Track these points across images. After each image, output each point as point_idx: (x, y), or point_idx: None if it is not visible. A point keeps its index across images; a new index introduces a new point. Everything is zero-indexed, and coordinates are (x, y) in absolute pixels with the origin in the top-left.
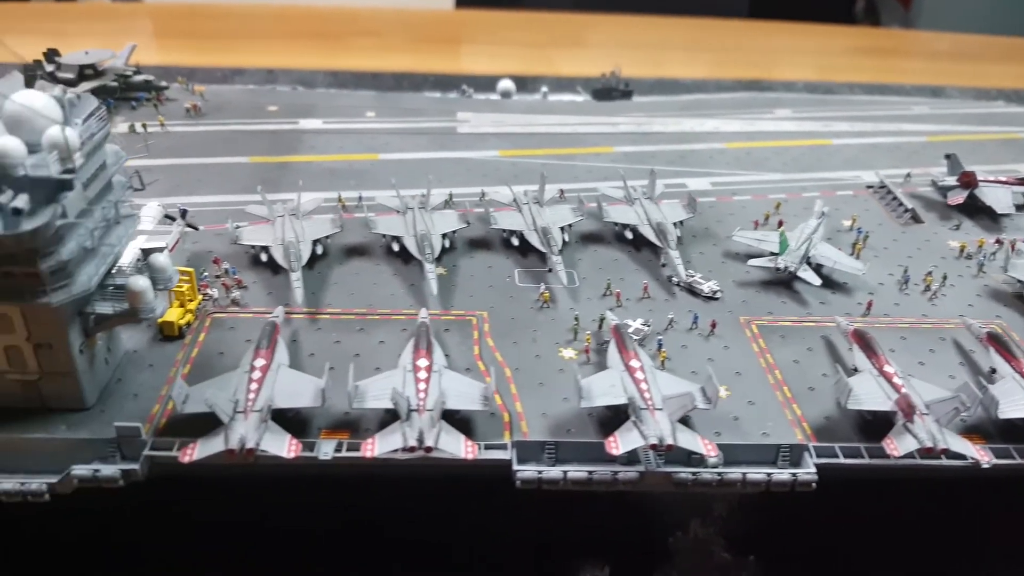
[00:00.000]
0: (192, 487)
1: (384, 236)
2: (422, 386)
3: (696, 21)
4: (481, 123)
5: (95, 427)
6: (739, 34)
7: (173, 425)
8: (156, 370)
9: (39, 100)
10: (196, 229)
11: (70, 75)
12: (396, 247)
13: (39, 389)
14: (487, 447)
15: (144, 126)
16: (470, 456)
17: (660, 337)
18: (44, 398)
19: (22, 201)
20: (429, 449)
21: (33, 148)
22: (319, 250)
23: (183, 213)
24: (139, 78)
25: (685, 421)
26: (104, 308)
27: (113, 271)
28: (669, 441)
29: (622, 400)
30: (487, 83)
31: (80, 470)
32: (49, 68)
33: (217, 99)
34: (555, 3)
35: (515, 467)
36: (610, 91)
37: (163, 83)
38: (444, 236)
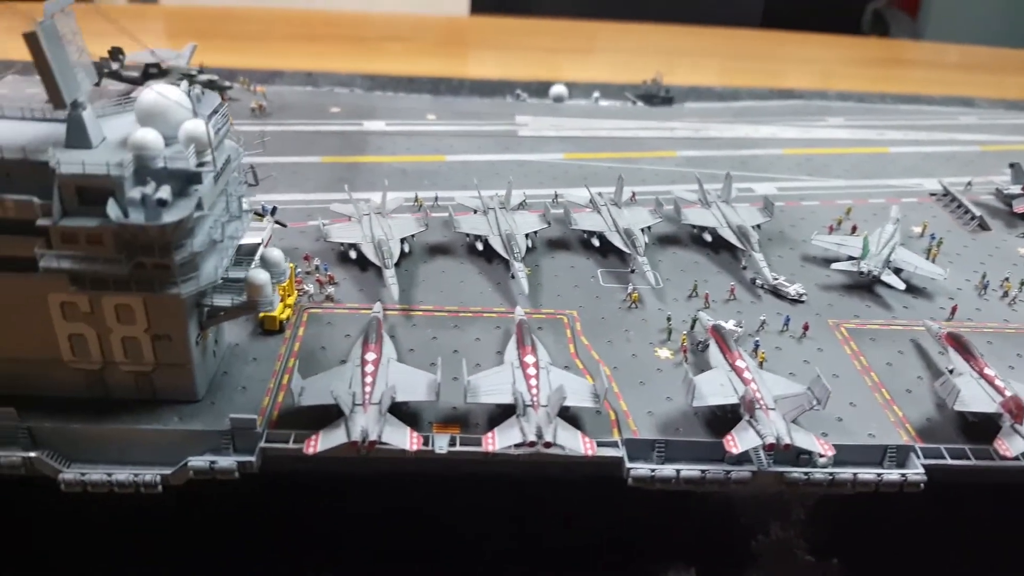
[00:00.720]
0: (299, 482)
1: (468, 235)
2: (533, 382)
3: (708, 30)
4: (540, 126)
5: (207, 419)
6: (752, 43)
7: (284, 418)
8: (260, 363)
9: (173, 93)
10: (284, 226)
11: (135, 73)
12: (480, 246)
13: (152, 381)
14: (599, 444)
15: None
16: (590, 452)
17: (757, 338)
18: (156, 390)
19: (166, 192)
20: (548, 444)
21: (167, 141)
22: (406, 248)
23: (272, 210)
24: (203, 77)
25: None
26: (223, 300)
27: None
28: (787, 440)
29: (733, 400)
30: (538, 88)
31: (197, 462)
32: (114, 66)
33: (279, 100)
34: (565, 10)
35: (627, 464)
36: (651, 97)
37: (227, 83)
38: (527, 236)
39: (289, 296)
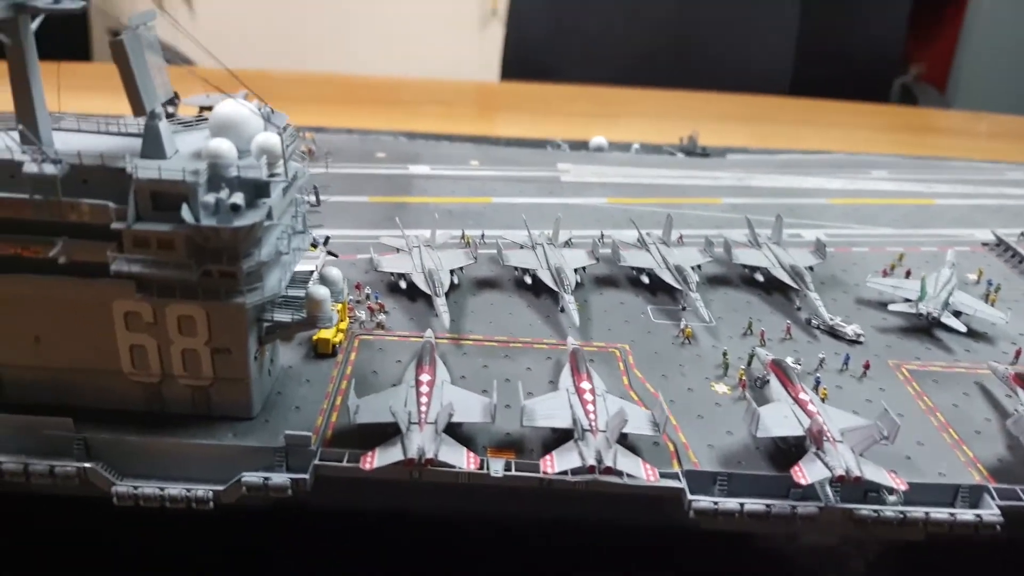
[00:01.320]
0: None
1: (516, 269)
2: (591, 408)
3: (738, 96)
4: (582, 173)
5: (262, 436)
6: (783, 109)
7: (338, 438)
8: (314, 385)
9: (245, 107)
10: (336, 256)
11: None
12: (528, 280)
13: (209, 396)
14: (662, 475)
15: None
16: (652, 479)
17: (818, 375)
18: (212, 405)
19: (239, 198)
20: (609, 470)
21: (240, 153)
22: (455, 280)
23: (325, 241)
24: None
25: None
26: (283, 316)
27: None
28: (856, 473)
29: (798, 432)
30: (575, 145)
31: (250, 478)
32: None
33: (326, 144)
34: (594, 78)
35: (689, 496)
36: (689, 153)
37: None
38: (575, 271)
39: (341, 322)
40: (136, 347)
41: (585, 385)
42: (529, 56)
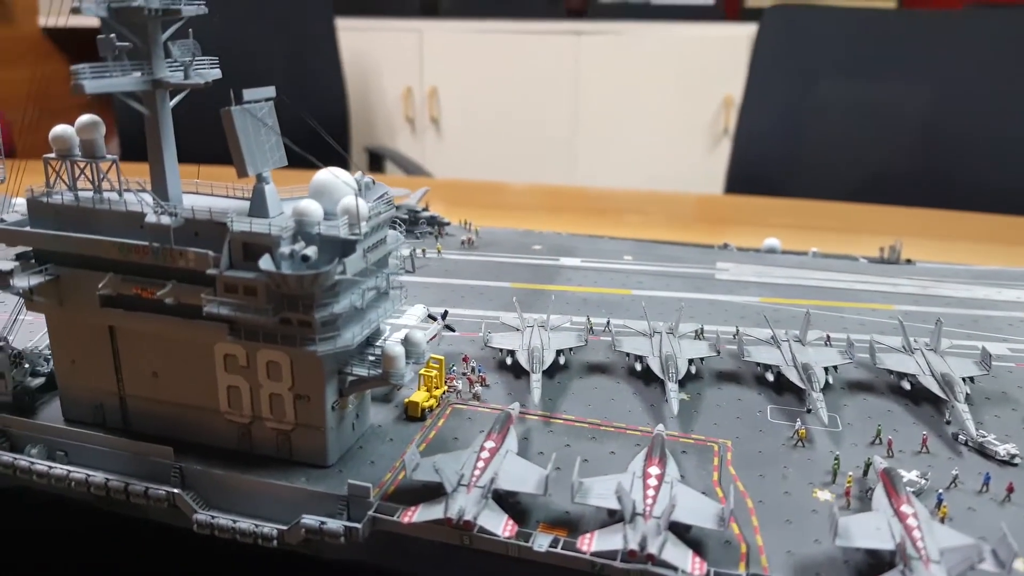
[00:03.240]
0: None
1: (628, 355)
2: (651, 492)
3: (984, 217)
4: (742, 272)
5: (331, 484)
6: (1008, 229)
7: (400, 494)
8: (395, 444)
9: (343, 175)
10: (453, 331)
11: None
12: (639, 367)
13: (290, 440)
14: (716, 574)
15: (423, 251)
16: (697, 572)
17: (941, 492)
18: (292, 450)
19: (311, 251)
20: (652, 558)
21: (328, 216)
22: (561, 360)
23: (444, 314)
24: (426, 214)
25: None
26: (360, 370)
27: (374, 342)
28: None
29: (888, 545)
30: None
31: (308, 520)
32: None
33: (489, 237)
34: (821, 194)
35: None
36: (887, 262)
37: (446, 220)
38: (691, 362)
39: (437, 388)
40: (232, 388)
41: (653, 470)
42: (755, 171)
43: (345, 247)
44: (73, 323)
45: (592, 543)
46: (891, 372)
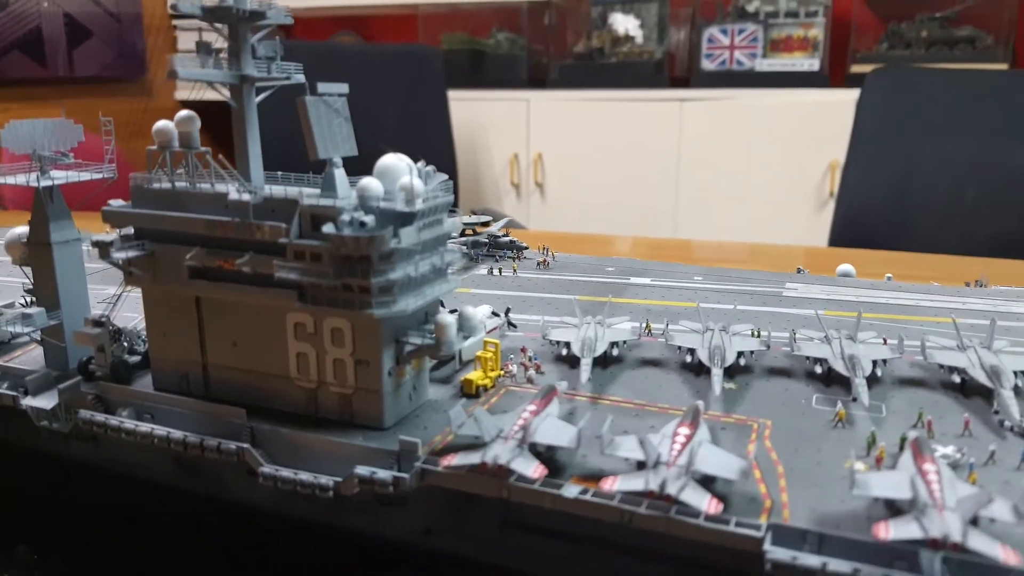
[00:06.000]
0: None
1: (679, 348)
2: (676, 446)
3: None
4: (810, 292)
5: (384, 442)
6: None
7: (447, 451)
8: (448, 416)
9: (404, 160)
10: (514, 327)
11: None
12: (689, 359)
13: (351, 403)
14: (738, 524)
15: (500, 270)
16: (711, 510)
17: (972, 461)
18: (353, 413)
19: (369, 219)
20: (669, 498)
21: (388, 195)
22: (615, 352)
23: (507, 311)
24: (505, 239)
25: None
26: (415, 339)
27: (431, 318)
28: (956, 539)
29: (904, 495)
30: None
31: (360, 470)
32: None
33: (566, 261)
34: (929, 248)
35: (766, 547)
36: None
37: (524, 244)
38: (740, 354)
39: (493, 370)
40: (300, 355)
41: (683, 430)
42: (859, 232)
43: (402, 219)
44: (165, 296)
45: (615, 484)
46: (941, 366)
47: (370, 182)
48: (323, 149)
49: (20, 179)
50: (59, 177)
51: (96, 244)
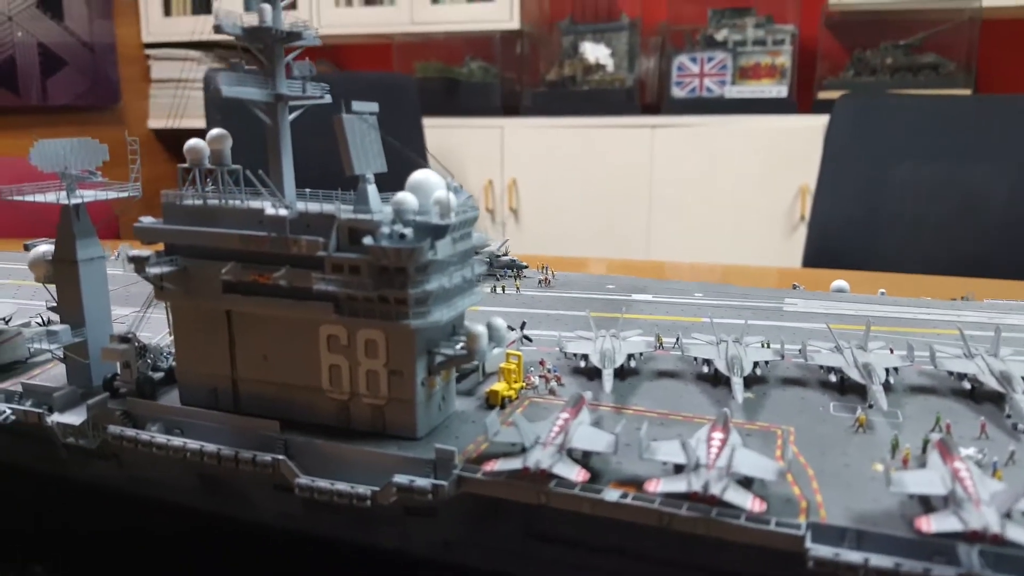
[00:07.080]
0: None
1: (695, 359)
2: (714, 450)
3: None
4: (809, 307)
5: (419, 451)
6: None
7: (483, 459)
8: (477, 425)
9: (434, 176)
10: (530, 340)
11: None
12: (706, 369)
13: (384, 414)
14: (778, 524)
15: (503, 288)
16: (756, 508)
17: (995, 459)
18: (386, 423)
19: (408, 231)
20: (713, 499)
21: (421, 210)
22: (632, 363)
23: (522, 325)
24: (506, 258)
25: None
26: (447, 350)
27: (460, 329)
28: (995, 530)
29: (939, 491)
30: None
31: (399, 479)
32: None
33: (566, 280)
34: (899, 268)
35: (807, 544)
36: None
37: (525, 264)
38: (755, 364)
39: (517, 382)
40: (333, 367)
41: (717, 435)
42: (830, 254)
43: (436, 232)
44: (196, 310)
45: (659, 486)
46: (951, 373)
47: (406, 196)
48: (359, 165)
49: (51, 197)
50: (88, 195)
51: (132, 259)
